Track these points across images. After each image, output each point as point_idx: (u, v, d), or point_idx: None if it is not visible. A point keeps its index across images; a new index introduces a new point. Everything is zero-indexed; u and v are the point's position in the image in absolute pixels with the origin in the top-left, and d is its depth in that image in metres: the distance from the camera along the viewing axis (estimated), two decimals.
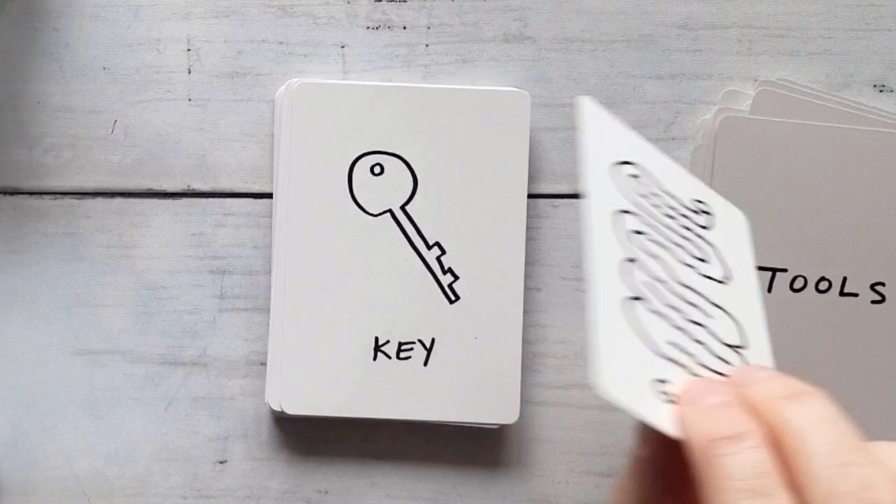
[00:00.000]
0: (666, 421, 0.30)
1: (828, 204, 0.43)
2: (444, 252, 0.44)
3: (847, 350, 0.43)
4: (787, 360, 0.43)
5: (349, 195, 0.44)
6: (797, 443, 0.29)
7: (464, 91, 0.44)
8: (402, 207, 0.44)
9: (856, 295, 0.43)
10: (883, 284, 0.43)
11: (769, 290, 0.43)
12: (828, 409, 0.30)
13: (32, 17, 0.46)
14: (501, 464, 0.46)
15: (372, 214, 0.44)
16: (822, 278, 0.43)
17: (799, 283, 0.43)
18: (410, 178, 0.44)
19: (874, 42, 0.45)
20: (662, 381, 0.31)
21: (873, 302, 0.43)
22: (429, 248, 0.44)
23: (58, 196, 0.46)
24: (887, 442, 0.30)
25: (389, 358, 0.44)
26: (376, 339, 0.44)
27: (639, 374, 0.31)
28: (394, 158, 0.44)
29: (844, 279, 0.43)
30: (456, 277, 0.44)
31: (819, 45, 0.45)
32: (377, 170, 0.44)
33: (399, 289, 0.44)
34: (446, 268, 0.44)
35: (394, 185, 0.44)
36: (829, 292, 0.43)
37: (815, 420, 0.29)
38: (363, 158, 0.44)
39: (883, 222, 0.43)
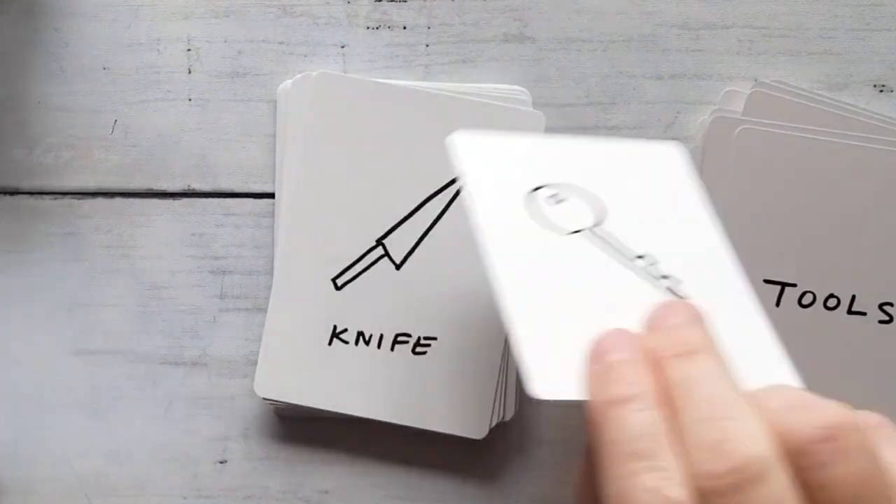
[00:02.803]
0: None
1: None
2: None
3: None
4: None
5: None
6: (677, 399, 0.29)
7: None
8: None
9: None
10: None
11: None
12: (710, 366, 0.30)
13: (32, 17, 0.46)
14: (502, 464, 0.46)
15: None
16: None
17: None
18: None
19: (874, 42, 0.45)
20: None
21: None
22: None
23: (58, 196, 0.46)
24: (781, 386, 0.31)
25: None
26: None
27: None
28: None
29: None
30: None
31: (819, 45, 0.45)
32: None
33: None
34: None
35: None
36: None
37: (695, 377, 0.30)
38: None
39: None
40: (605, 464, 0.29)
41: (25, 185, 0.46)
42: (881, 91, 0.45)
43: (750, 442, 0.28)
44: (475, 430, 0.44)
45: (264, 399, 0.44)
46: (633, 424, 0.29)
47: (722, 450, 0.28)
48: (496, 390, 0.44)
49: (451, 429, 0.44)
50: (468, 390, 0.44)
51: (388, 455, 0.46)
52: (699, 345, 0.31)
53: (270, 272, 0.45)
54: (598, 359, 0.31)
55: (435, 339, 0.44)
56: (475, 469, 0.46)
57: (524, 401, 0.46)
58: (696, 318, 0.32)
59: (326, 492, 0.46)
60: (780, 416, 0.29)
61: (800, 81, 0.45)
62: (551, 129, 0.46)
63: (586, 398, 0.30)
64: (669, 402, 0.30)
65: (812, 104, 0.44)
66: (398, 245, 0.44)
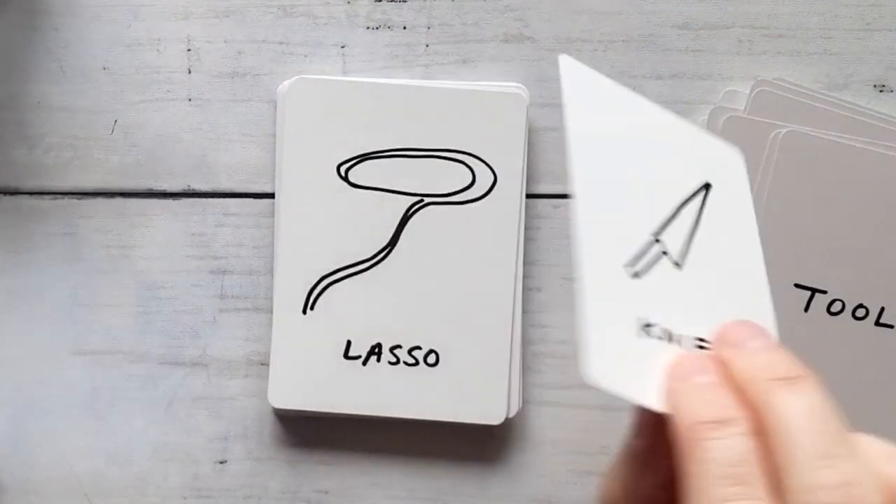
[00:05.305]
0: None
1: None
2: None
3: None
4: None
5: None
6: (781, 432, 0.29)
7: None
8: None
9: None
10: None
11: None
12: (816, 397, 0.29)
13: (32, 17, 0.46)
14: (502, 464, 0.46)
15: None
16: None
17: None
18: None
19: (874, 42, 0.45)
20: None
21: None
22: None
23: (58, 196, 0.46)
24: (868, 436, 0.30)
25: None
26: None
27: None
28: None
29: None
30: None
31: (819, 45, 0.45)
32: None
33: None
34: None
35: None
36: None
37: (801, 409, 0.29)
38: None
39: None
40: (696, 483, 0.29)
41: (25, 185, 0.46)
42: (881, 91, 0.45)
43: (869, 487, 0.28)
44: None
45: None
46: (731, 448, 0.29)
47: (845, 492, 0.27)
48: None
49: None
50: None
51: (388, 455, 0.46)
52: (797, 371, 0.30)
53: (270, 272, 0.45)
54: (684, 378, 0.30)
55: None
56: (475, 469, 0.46)
57: (525, 401, 0.46)
58: (775, 343, 0.31)
59: (326, 492, 0.46)
60: (880, 465, 0.29)
61: (800, 81, 0.45)
62: (552, 129, 0.46)
63: (668, 412, 0.30)
64: (762, 430, 0.29)
65: (815, 103, 0.44)
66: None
